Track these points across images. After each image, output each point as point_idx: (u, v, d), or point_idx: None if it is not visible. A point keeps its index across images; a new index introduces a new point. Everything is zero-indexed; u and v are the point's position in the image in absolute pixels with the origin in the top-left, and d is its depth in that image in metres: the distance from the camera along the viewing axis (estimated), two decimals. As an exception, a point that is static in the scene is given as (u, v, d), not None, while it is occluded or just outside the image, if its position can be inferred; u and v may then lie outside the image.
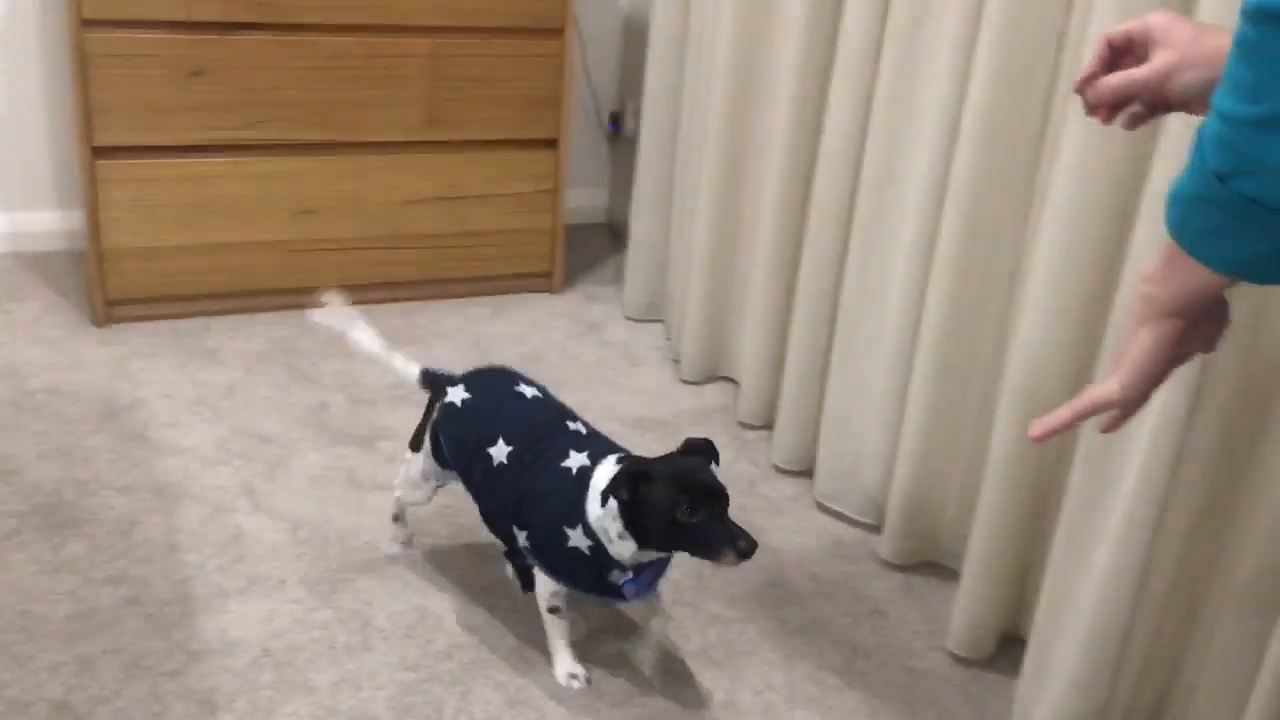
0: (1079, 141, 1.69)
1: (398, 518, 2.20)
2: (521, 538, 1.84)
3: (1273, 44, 0.77)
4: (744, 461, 2.60)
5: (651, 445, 2.60)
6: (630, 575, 1.78)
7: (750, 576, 2.20)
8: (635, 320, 3.23)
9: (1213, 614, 1.69)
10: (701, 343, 2.88)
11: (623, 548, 1.73)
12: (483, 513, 1.94)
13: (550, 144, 3.16)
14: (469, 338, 3.05)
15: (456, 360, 2.92)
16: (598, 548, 1.75)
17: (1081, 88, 1.13)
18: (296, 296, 3.06)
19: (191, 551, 2.15)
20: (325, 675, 1.90)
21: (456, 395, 1.98)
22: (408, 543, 2.20)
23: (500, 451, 1.87)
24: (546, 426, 1.91)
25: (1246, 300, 1.45)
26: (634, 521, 1.70)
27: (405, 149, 3.04)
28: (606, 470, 1.76)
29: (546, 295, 3.33)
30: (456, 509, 2.34)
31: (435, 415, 2.01)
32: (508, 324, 3.15)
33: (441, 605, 2.07)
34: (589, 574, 1.78)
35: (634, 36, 3.59)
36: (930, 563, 2.29)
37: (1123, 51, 1.10)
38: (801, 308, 2.48)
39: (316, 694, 1.86)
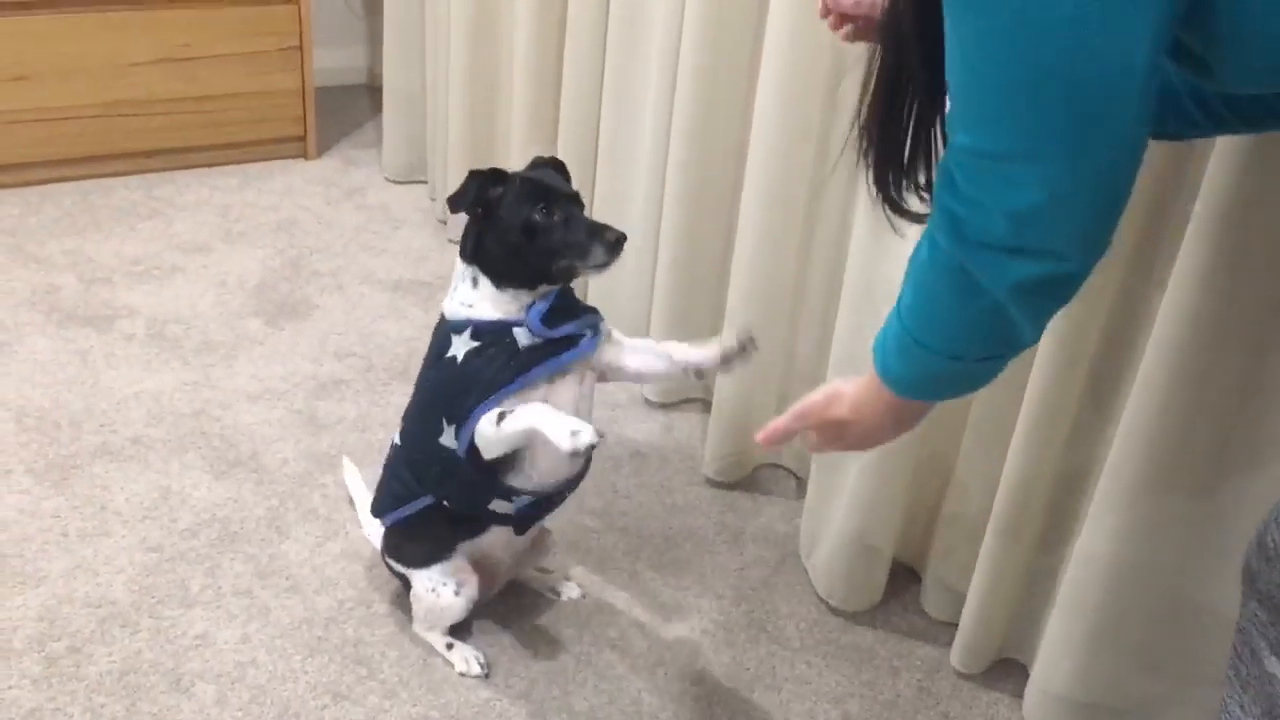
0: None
1: (451, 645, 1.72)
2: (450, 440, 1.52)
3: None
4: (508, 318, 2.55)
5: (413, 309, 2.53)
6: (528, 314, 1.49)
7: (513, 430, 2.18)
8: (398, 182, 3.11)
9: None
10: (463, 201, 2.79)
11: (480, 299, 1.50)
12: (452, 501, 1.62)
13: (290, -3, 2.96)
14: (215, 208, 2.87)
15: (204, 233, 2.76)
16: (477, 327, 1.49)
17: None
18: (14, 173, 2.82)
19: (-99, 449, 1.99)
20: (57, 564, 1.79)
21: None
22: (485, 667, 1.70)
23: (395, 436, 1.68)
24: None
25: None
26: (488, 251, 1.48)
27: (127, 5, 2.79)
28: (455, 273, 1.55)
29: (301, 161, 3.16)
30: (200, 384, 2.23)
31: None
32: (259, 193, 2.98)
33: (185, 484, 1.98)
34: (502, 362, 1.48)
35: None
36: (691, 399, 2.32)
37: None
38: (563, 156, 2.41)
39: (48, 583, 1.76)
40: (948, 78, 0.89)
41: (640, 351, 1.59)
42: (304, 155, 3.17)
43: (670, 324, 2.17)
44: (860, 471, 1.76)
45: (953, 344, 0.98)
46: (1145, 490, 1.43)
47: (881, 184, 1.06)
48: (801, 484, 2.09)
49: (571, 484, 1.63)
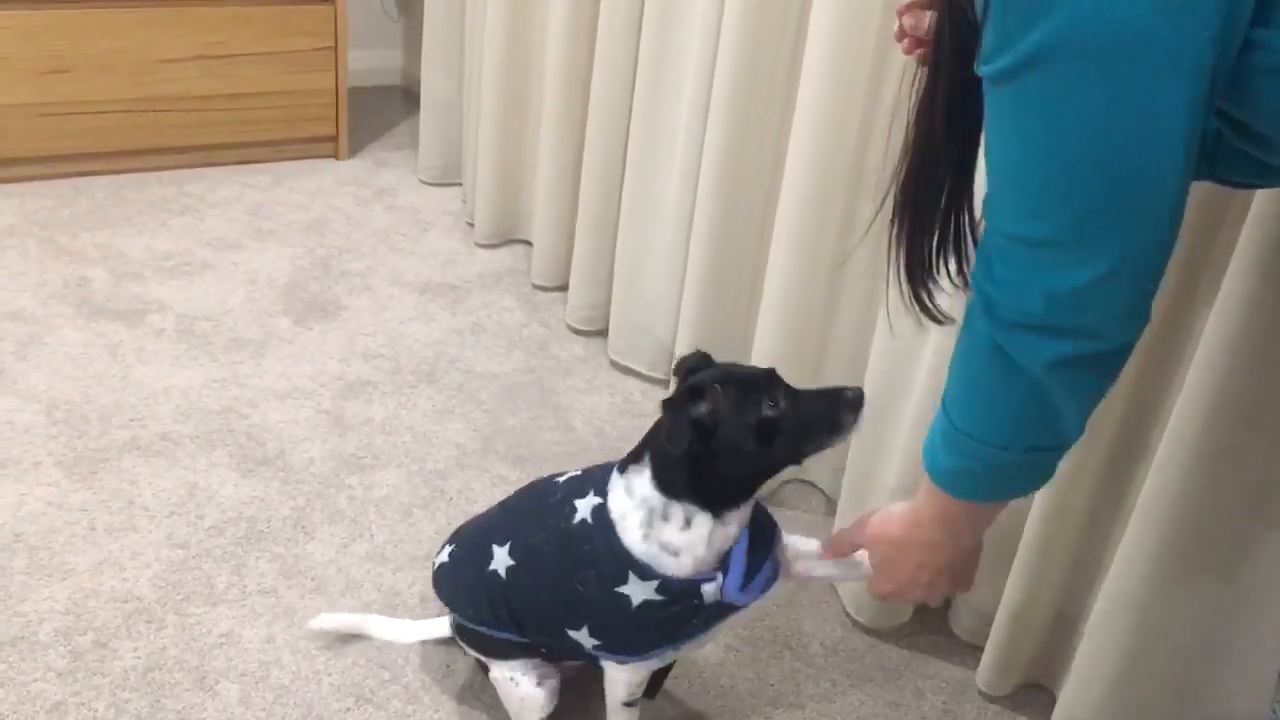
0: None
1: None
2: (586, 640, 1.38)
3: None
4: (535, 324, 2.55)
5: (441, 312, 2.53)
6: (721, 576, 1.33)
7: (536, 435, 2.18)
8: (431, 185, 3.11)
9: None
10: (495, 204, 2.80)
11: (693, 544, 1.31)
12: (549, 651, 1.49)
13: (327, -3, 2.97)
14: (246, 206, 2.88)
15: (234, 230, 2.77)
16: (667, 584, 1.32)
17: (903, 11, 1.16)
18: (48, 165, 2.84)
19: (-68, 438, 1.99)
20: (84, 558, 1.79)
21: (442, 554, 1.57)
22: None
23: (501, 560, 1.44)
24: (532, 505, 1.49)
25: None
26: (713, 477, 1.29)
27: (163, 2, 2.80)
28: (621, 486, 1.35)
29: (332, 161, 3.17)
30: (229, 381, 2.23)
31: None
32: (289, 191, 2.98)
33: (211, 481, 1.98)
34: (678, 621, 1.35)
35: (417, -117, 3.38)
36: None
37: None
38: (591, 164, 2.42)
39: (75, 576, 1.76)
40: (985, 165, 0.90)
41: (805, 548, 1.43)
42: (335, 155, 3.17)
43: (697, 341, 2.16)
44: (892, 491, 1.74)
45: (997, 432, 0.98)
46: (1177, 533, 1.42)
47: (912, 269, 1.06)
48: (830, 500, 2.08)
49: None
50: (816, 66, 1.78)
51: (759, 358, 2.01)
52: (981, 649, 1.75)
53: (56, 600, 1.72)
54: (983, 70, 0.85)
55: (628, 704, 1.47)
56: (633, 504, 1.33)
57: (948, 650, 1.83)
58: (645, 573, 1.31)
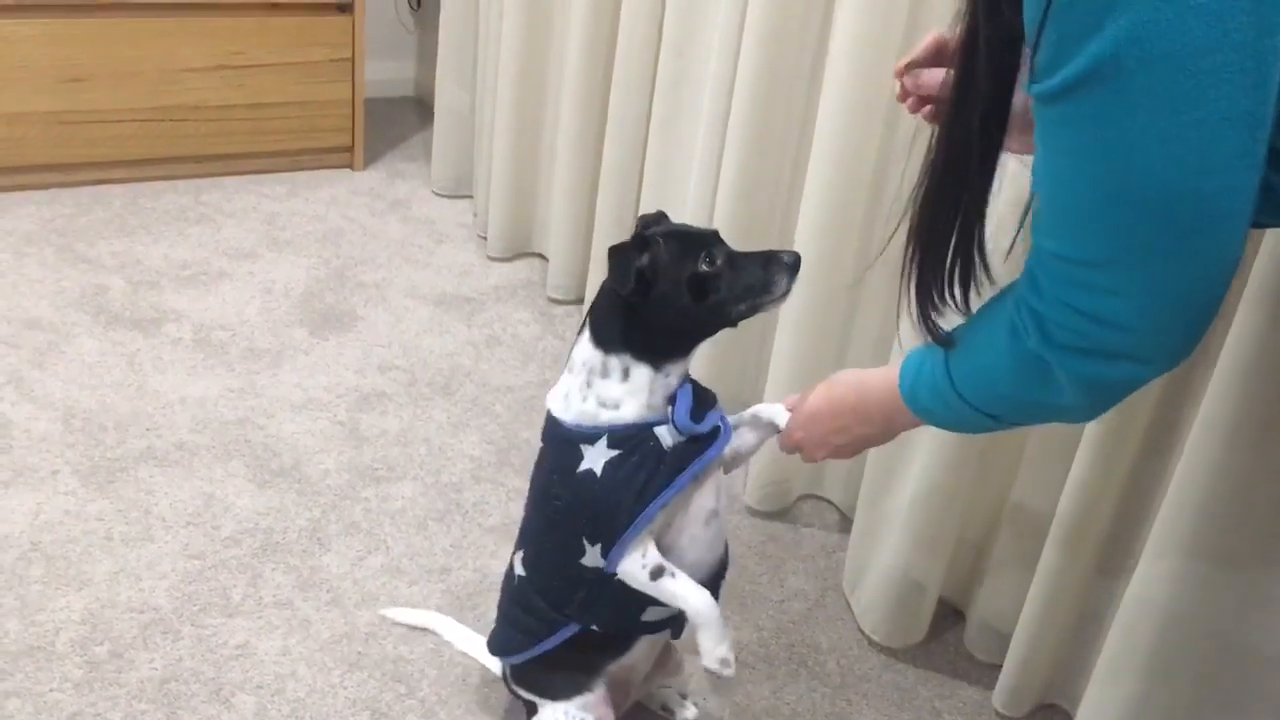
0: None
1: None
2: (596, 558, 1.35)
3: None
4: (551, 337, 2.55)
5: (456, 324, 2.53)
6: (671, 410, 1.33)
7: (554, 450, 2.18)
8: (444, 196, 3.12)
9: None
10: (508, 217, 2.80)
11: (635, 392, 1.32)
12: (602, 624, 1.43)
13: (345, 8, 2.98)
14: (262, 216, 2.89)
15: (250, 240, 2.77)
16: (614, 432, 1.32)
17: (902, 73, 1.19)
18: (66, 173, 2.85)
19: (-51, 445, 2.00)
20: (101, 567, 1.80)
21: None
22: None
23: (518, 561, 1.48)
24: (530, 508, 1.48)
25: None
26: (648, 328, 1.31)
27: (182, 11, 2.81)
28: (562, 378, 1.38)
29: (348, 171, 3.18)
30: (245, 391, 2.23)
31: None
32: (305, 202, 2.99)
33: (228, 491, 1.98)
34: (645, 472, 1.32)
35: (435, -104, 3.39)
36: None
37: (941, 51, 1.16)
38: (607, 178, 2.43)
39: (92, 586, 1.76)
40: (1035, 185, 0.89)
41: (741, 429, 1.45)
42: (351, 166, 3.18)
43: (713, 358, 2.16)
44: (910, 507, 1.74)
45: (1001, 411, 1.03)
46: (1202, 537, 1.41)
47: (922, 294, 1.07)
48: (844, 517, 2.07)
49: (721, 569, 1.45)
50: (836, 84, 1.78)
51: (774, 378, 2.01)
52: (998, 669, 1.74)
53: (73, 610, 1.72)
54: (1034, 89, 0.84)
55: (655, 577, 1.33)
56: (572, 377, 1.36)
57: (964, 670, 1.82)
58: (590, 434, 1.32)
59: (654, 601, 1.37)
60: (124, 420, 2.11)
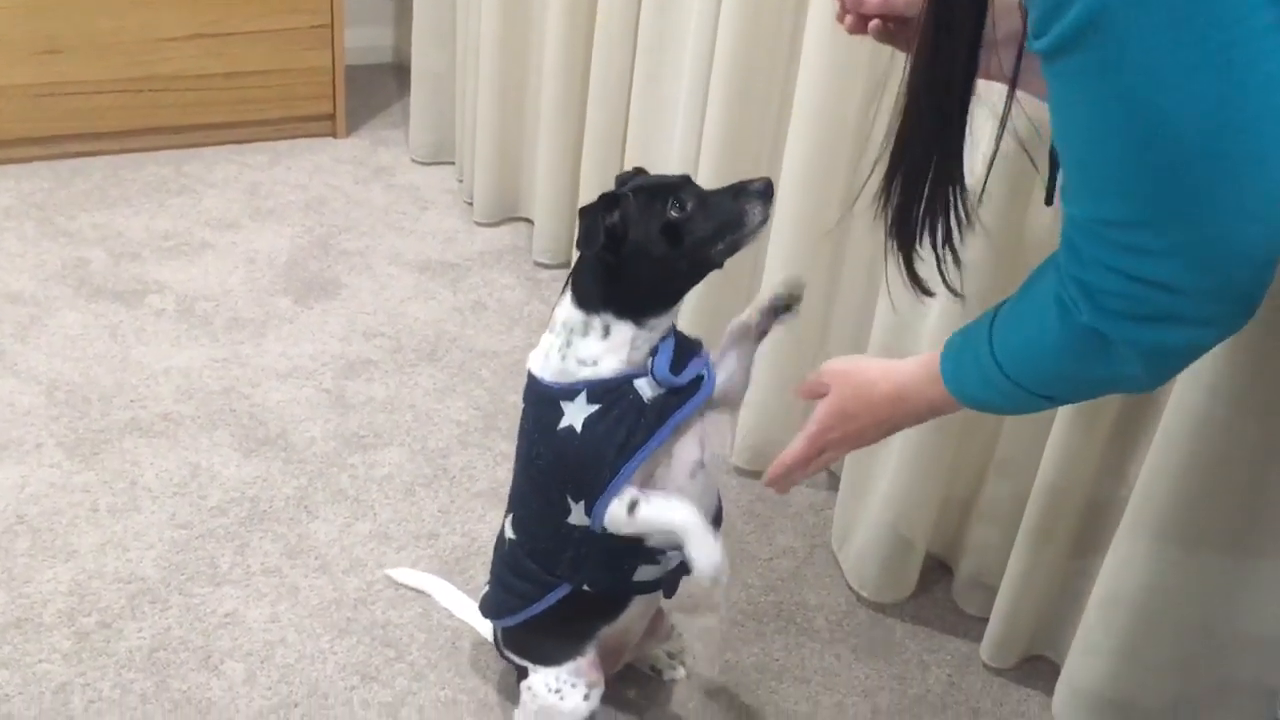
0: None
1: None
2: (581, 515, 1.34)
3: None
4: (536, 301, 2.54)
5: (442, 291, 2.52)
6: (651, 362, 1.32)
7: (541, 414, 2.17)
8: (425, 163, 3.09)
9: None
10: (493, 183, 2.78)
11: (616, 349, 1.30)
12: (595, 585, 1.42)
13: (322, -26, 2.94)
14: (244, 185, 2.87)
15: (233, 210, 2.75)
16: (592, 387, 1.30)
17: None
18: (45, 146, 2.82)
19: (-67, 420, 1.99)
20: (88, 539, 1.79)
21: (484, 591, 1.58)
22: None
23: (508, 524, 1.47)
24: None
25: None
26: (626, 284, 1.29)
27: (159, -20, 2.78)
28: (544, 338, 1.36)
29: (330, 140, 3.15)
30: (230, 361, 2.23)
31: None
32: (288, 170, 2.97)
33: (214, 461, 1.98)
34: (626, 426, 1.30)
35: None
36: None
37: None
38: (591, 140, 2.41)
39: (78, 558, 1.76)
40: (1060, 151, 0.84)
41: (726, 359, 1.42)
42: (333, 134, 3.15)
43: (698, 316, 2.15)
44: (898, 464, 1.74)
45: (1058, 391, 0.97)
46: (1181, 509, 1.41)
47: (901, 239, 1.05)
48: (832, 474, 2.07)
49: (715, 522, 1.42)
50: (817, 41, 1.76)
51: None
52: (986, 621, 1.75)
53: (60, 582, 1.72)
54: (1036, 47, 0.80)
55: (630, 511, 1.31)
56: (553, 336, 1.34)
57: (952, 623, 1.83)
58: (569, 391, 1.31)
59: (645, 559, 1.37)
60: (108, 392, 2.11)
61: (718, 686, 1.68)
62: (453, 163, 3.07)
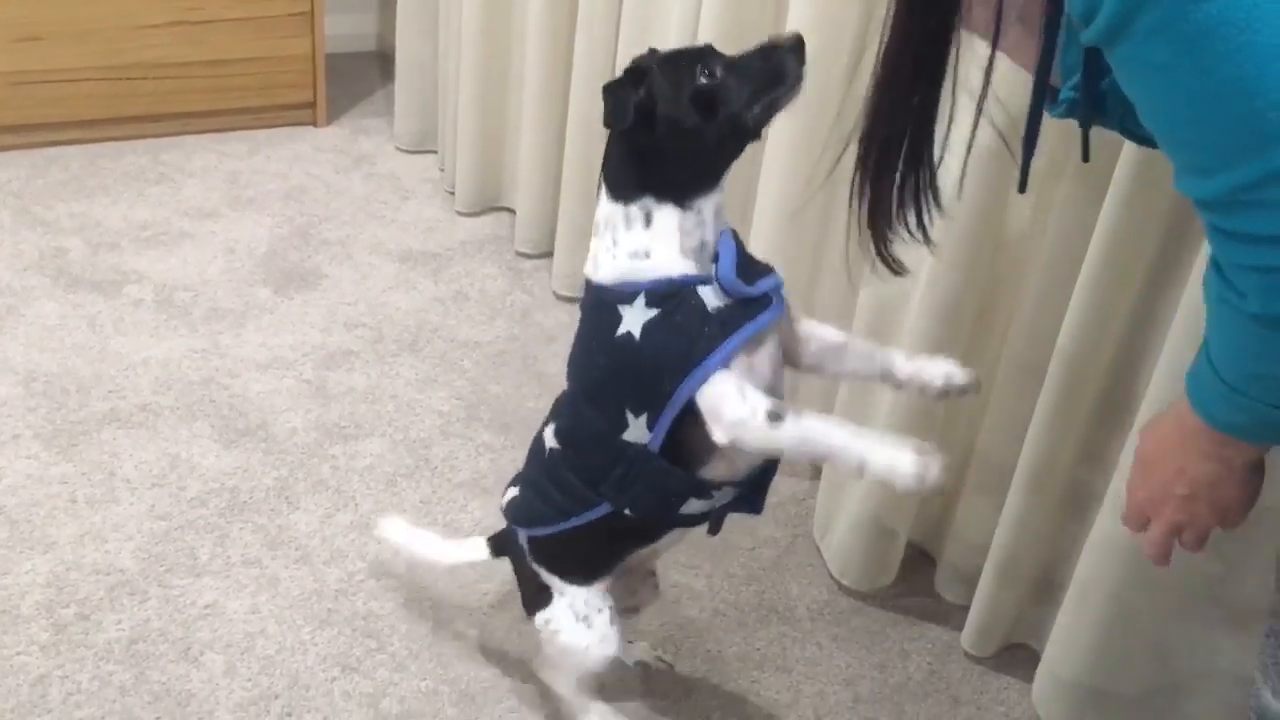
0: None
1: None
2: (641, 431, 1.24)
3: None
4: (519, 292, 2.53)
5: (423, 280, 2.51)
6: (715, 267, 1.23)
7: (521, 403, 2.17)
8: (408, 151, 3.08)
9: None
10: (475, 172, 2.77)
11: (665, 235, 1.21)
12: (635, 508, 1.31)
13: (302, -39, 2.92)
14: (224, 174, 2.84)
15: (212, 199, 2.73)
16: (653, 290, 1.20)
17: None
18: (22, 135, 2.80)
19: (-92, 411, 1.97)
20: (66, 530, 1.78)
21: (508, 494, 1.48)
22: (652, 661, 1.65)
23: (549, 434, 1.38)
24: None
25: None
26: (660, 162, 1.21)
27: (136, -34, 2.75)
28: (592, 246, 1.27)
29: (310, 128, 3.13)
30: (209, 352, 2.21)
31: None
32: (267, 159, 2.95)
33: (193, 452, 1.97)
34: (691, 334, 1.19)
35: None
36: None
37: None
38: (574, 129, 2.40)
39: (56, 549, 1.75)
40: (1161, 133, 0.80)
41: (830, 337, 1.33)
42: (313, 122, 3.13)
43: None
44: (884, 427, 1.74)
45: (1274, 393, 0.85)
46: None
47: (874, 217, 1.04)
48: (814, 465, 2.08)
49: (773, 464, 1.33)
50: (801, 25, 1.75)
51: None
52: (966, 610, 1.76)
53: (38, 573, 1.71)
54: (1090, 39, 0.78)
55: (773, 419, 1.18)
56: (598, 240, 1.25)
57: (933, 612, 1.84)
58: (626, 293, 1.21)
59: (697, 492, 1.28)
60: (86, 383, 2.09)
61: (700, 677, 1.68)
62: (435, 151, 3.05)
